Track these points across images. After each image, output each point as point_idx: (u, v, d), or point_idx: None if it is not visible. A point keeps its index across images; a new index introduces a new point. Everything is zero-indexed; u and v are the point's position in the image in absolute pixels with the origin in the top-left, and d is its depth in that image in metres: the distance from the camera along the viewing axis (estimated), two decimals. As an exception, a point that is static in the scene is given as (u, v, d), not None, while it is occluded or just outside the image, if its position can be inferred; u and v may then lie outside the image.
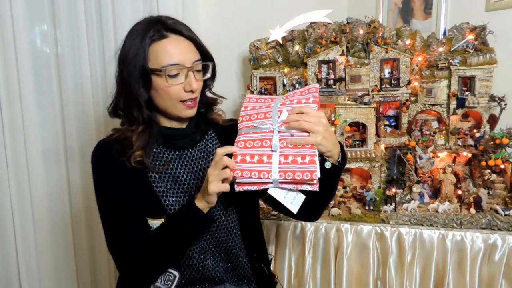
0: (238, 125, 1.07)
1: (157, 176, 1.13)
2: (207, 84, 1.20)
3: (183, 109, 1.11)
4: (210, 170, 1.00)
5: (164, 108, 1.12)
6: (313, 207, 1.17)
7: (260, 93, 2.13)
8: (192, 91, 1.09)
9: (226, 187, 1.00)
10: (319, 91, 2.05)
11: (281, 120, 1.01)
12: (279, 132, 1.00)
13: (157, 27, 1.08)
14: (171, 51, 1.07)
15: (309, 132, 0.98)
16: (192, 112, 1.14)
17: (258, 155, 0.99)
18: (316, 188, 1.00)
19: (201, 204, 1.05)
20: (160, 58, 1.06)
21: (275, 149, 0.99)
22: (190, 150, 1.19)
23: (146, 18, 1.12)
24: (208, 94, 1.24)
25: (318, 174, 0.97)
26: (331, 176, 1.08)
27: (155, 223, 1.11)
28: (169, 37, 1.08)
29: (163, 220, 1.11)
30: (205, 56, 1.14)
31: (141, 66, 1.06)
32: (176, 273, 1.15)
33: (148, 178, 1.13)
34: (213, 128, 1.26)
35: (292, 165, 0.97)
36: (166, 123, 1.17)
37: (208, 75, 1.16)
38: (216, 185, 0.99)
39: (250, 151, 1.00)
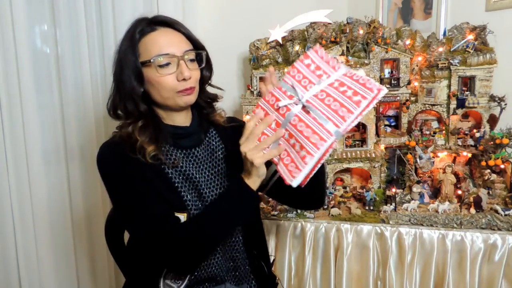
0: (285, 74, 1.07)
1: (173, 172, 1.13)
2: (204, 77, 1.20)
3: (181, 97, 1.10)
4: (245, 146, 1.02)
5: (162, 101, 1.12)
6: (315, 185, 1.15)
7: (260, 93, 2.12)
8: (184, 79, 1.08)
9: (273, 153, 1.02)
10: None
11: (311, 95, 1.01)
12: (302, 107, 1.00)
13: (147, 22, 1.12)
14: (160, 42, 1.08)
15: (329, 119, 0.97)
16: (191, 98, 1.12)
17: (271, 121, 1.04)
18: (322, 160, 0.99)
19: (251, 181, 1.06)
20: (150, 49, 1.08)
21: (285, 123, 1.01)
22: (197, 149, 1.19)
23: (138, 17, 1.14)
24: (208, 89, 1.24)
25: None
26: None
27: (179, 217, 1.09)
28: (158, 29, 1.11)
29: (185, 214, 1.09)
30: (197, 47, 1.15)
31: (132, 61, 1.08)
32: None
33: (166, 174, 1.12)
34: (214, 126, 1.27)
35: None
36: (169, 120, 1.17)
37: (203, 64, 1.16)
38: (261, 157, 1.01)
39: (269, 110, 1.05)
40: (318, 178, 1.15)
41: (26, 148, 2.00)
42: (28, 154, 2.01)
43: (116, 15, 2.08)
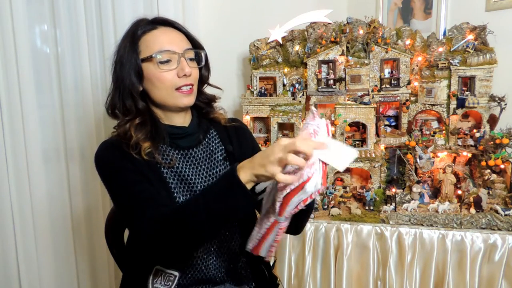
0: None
1: (168, 171, 1.13)
2: (203, 76, 1.20)
3: (180, 96, 1.11)
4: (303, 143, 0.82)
5: (160, 99, 1.12)
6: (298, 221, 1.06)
7: (260, 93, 2.12)
8: (185, 75, 1.09)
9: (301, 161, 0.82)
10: (320, 91, 2.07)
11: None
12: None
13: (147, 21, 1.14)
14: (161, 39, 1.10)
15: None
16: (189, 100, 1.13)
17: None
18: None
19: (246, 176, 0.89)
20: (151, 46, 1.09)
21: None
22: (194, 149, 1.19)
23: (138, 18, 1.16)
24: (205, 90, 1.25)
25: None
26: None
27: None
28: (158, 28, 1.12)
29: None
30: (196, 46, 1.17)
31: (133, 57, 1.09)
32: (176, 273, 1.14)
33: (162, 173, 1.12)
34: (214, 127, 1.26)
35: None
36: (167, 120, 1.17)
37: (202, 63, 1.17)
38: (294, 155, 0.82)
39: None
40: (304, 212, 0.98)
41: (26, 148, 2.00)
42: (28, 154, 2.01)
43: (116, 15, 2.08)
